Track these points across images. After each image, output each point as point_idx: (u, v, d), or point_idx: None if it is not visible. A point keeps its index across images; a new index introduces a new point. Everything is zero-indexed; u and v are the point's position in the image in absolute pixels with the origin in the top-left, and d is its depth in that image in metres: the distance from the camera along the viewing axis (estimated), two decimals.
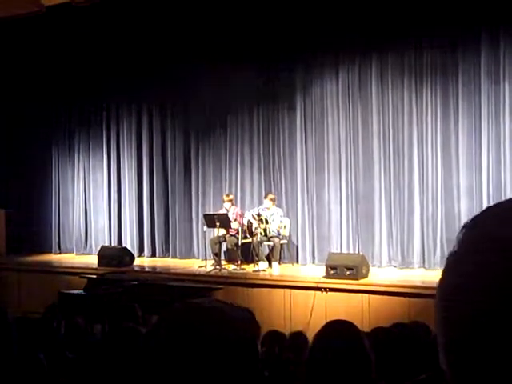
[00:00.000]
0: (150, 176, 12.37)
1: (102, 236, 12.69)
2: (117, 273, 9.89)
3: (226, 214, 10.41)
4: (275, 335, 5.40)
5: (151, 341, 1.09)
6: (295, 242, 10.92)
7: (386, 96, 10.29)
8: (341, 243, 10.54)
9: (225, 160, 11.67)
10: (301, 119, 10.98)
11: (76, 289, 8.99)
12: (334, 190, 10.68)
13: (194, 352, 1.03)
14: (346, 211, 10.56)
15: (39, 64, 12.75)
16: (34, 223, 13.22)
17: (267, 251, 10.37)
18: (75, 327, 5.35)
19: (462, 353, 0.62)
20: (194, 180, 11.94)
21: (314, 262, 10.70)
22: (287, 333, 5.58)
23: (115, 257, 10.84)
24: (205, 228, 10.77)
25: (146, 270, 11.08)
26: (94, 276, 9.63)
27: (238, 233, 10.37)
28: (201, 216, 11.18)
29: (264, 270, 9.82)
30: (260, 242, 10.11)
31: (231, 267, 10.29)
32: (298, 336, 5.28)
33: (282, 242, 10.27)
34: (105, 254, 10.94)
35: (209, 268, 10.17)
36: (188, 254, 11.90)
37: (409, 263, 9.95)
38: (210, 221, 10.28)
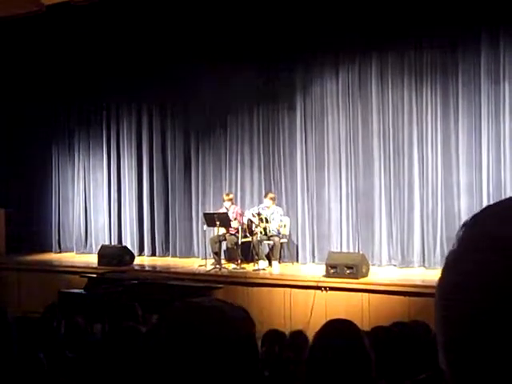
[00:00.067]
0: (150, 175, 12.38)
1: (102, 235, 12.70)
2: (117, 272, 9.89)
3: (226, 213, 10.41)
4: (275, 334, 5.40)
5: (151, 340, 1.09)
6: (295, 241, 10.92)
7: (386, 95, 10.30)
8: (341, 242, 10.55)
9: (225, 159, 11.68)
10: (301, 119, 10.98)
11: (76, 288, 8.99)
12: (334, 189, 10.68)
13: (195, 351, 1.03)
14: (346, 210, 10.57)
15: (39, 64, 12.75)
16: (34, 223, 13.23)
17: (267, 250, 10.38)
18: (75, 327, 5.35)
19: (461, 352, 0.62)
20: (194, 179, 11.95)
21: (314, 261, 10.71)
22: (287, 332, 5.58)
23: (115, 256, 10.84)
24: (205, 227, 10.77)
25: (146, 269, 11.08)
26: (94, 275, 9.63)
27: (237, 232, 10.37)
28: (201, 215, 11.18)
29: (264, 269, 9.82)
30: (260, 241, 10.12)
31: (231, 266, 10.29)
32: (298, 335, 5.27)
33: (282, 241, 10.27)
34: (105, 253, 10.94)
35: (209, 267, 10.17)
36: (188, 253, 11.91)
37: (409, 262, 9.96)
38: (210, 220, 10.28)
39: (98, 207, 12.86)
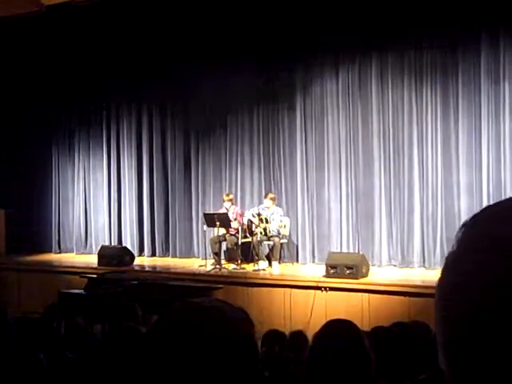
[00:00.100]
0: (150, 175, 12.38)
1: (102, 235, 12.70)
2: (117, 272, 9.89)
3: (226, 214, 10.41)
4: (275, 334, 5.40)
5: (151, 340, 1.09)
6: (295, 242, 10.92)
7: (386, 95, 10.30)
8: (341, 242, 10.55)
9: (225, 160, 11.67)
10: (301, 119, 10.98)
11: (76, 288, 8.99)
12: (334, 189, 10.68)
13: (195, 351, 1.03)
14: (346, 210, 10.57)
15: (39, 64, 12.75)
16: (34, 223, 13.22)
17: (267, 250, 10.38)
18: (75, 327, 5.35)
19: (461, 352, 0.62)
20: (194, 179, 11.95)
21: (313, 262, 10.71)
22: (287, 332, 5.58)
23: (115, 256, 10.84)
24: (205, 227, 10.77)
25: (146, 269, 11.08)
26: (94, 275, 9.63)
27: (237, 232, 10.37)
28: (201, 215, 11.18)
29: (264, 270, 9.82)
30: (260, 242, 10.12)
31: (231, 266, 10.29)
32: (298, 335, 5.28)
33: (281, 241, 10.27)
34: (105, 254, 10.94)
35: (209, 267, 10.17)
36: (188, 253, 11.91)
37: (409, 262, 9.96)
38: (210, 220, 10.28)
39: (98, 207, 12.86)
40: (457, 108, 9.75)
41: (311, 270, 9.99)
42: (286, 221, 10.52)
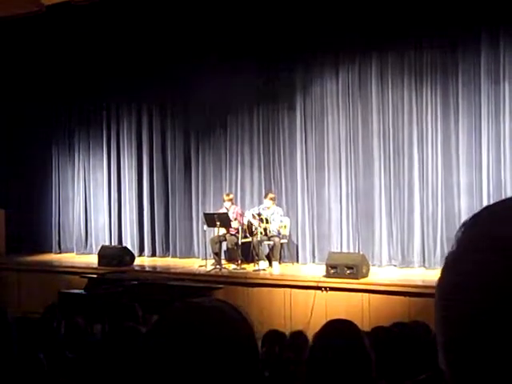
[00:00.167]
0: (150, 175, 12.38)
1: (102, 235, 12.70)
2: (117, 272, 9.89)
3: (227, 214, 10.41)
4: (275, 335, 5.40)
5: (151, 340, 1.09)
6: (295, 242, 10.92)
7: (386, 95, 10.30)
8: (341, 242, 10.55)
9: (225, 159, 11.67)
10: (301, 119, 10.98)
11: (76, 288, 8.99)
12: (334, 189, 10.68)
13: (195, 351, 1.03)
14: (346, 210, 10.57)
15: (39, 64, 12.75)
16: (34, 223, 13.22)
17: (267, 250, 10.38)
18: (75, 327, 5.35)
19: (461, 352, 0.62)
20: (194, 179, 11.95)
21: (314, 262, 10.71)
22: (287, 332, 5.58)
23: (115, 256, 10.84)
24: (205, 227, 10.77)
25: (147, 269, 11.08)
26: (95, 276, 9.63)
27: (238, 232, 10.37)
28: (201, 215, 11.18)
29: (264, 270, 9.82)
30: (260, 242, 10.11)
31: (231, 267, 10.29)
32: (299, 335, 5.27)
33: (282, 241, 10.27)
34: (105, 254, 10.94)
35: (209, 267, 10.17)
36: (188, 253, 11.91)
37: (409, 262, 9.96)
38: (211, 220, 10.28)
39: (98, 207, 12.86)
40: (457, 108, 9.75)
41: (311, 270, 9.99)
42: (286, 221, 10.51)
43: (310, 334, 2.92)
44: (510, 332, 0.58)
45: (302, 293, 8.87)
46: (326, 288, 8.68)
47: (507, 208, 0.65)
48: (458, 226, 0.68)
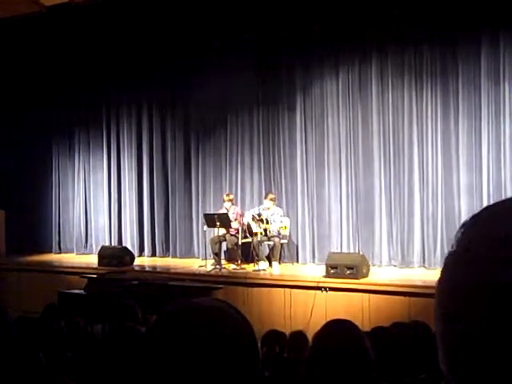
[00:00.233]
0: (150, 176, 12.38)
1: (102, 236, 12.70)
2: (117, 272, 9.90)
3: (227, 214, 10.41)
4: (275, 335, 5.40)
5: (150, 340, 1.09)
6: (295, 242, 10.92)
7: (386, 96, 10.29)
8: (341, 242, 10.55)
9: (225, 160, 11.67)
10: (301, 119, 10.98)
11: (76, 288, 9.00)
12: (334, 189, 10.68)
13: (194, 351, 1.03)
14: (346, 211, 10.57)
15: (39, 64, 12.75)
16: (34, 223, 13.22)
17: (267, 251, 10.37)
18: (75, 327, 5.35)
19: (461, 351, 0.62)
20: (194, 179, 11.95)
21: (314, 262, 10.71)
22: (287, 332, 5.58)
23: (115, 256, 10.84)
24: (205, 227, 10.77)
25: (147, 269, 11.07)
26: (95, 276, 9.63)
27: (238, 232, 10.37)
28: (201, 216, 11.18)
29: (264, 270, 9.81)
30: (260, 242, 10.11)
31: (231, 267, 10.29)
32: (299, 335, 5.27)
33: (282, 241, 10.26)
34: (105, 254, 10.94)
35: (209, 267, 10.17)
36: (188, 253, 11.91)
37: (409, 262, 9.96)
38: (211, 220, 10.28)
39: (98, 208, 12.86)
40: (457, 108, 9.75)
41: (311, 271, 9.99)
42: (286, 221, 10.51)
43: (310, 334, 2.92)
44: (510, 332, 0.59)
45: (301, 293, 8.87)
46: (325, 288, 8.68)
47: (507, 208, 0.65)
48: (458, 226, 0.68)
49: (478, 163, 9.56)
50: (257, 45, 11.10)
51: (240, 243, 10.26)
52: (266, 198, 10.59)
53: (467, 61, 9.66)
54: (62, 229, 13.22)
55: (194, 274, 9.98)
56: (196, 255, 11.74)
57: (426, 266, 9.80)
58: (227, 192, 11.15)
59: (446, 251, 0.68)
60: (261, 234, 10.14)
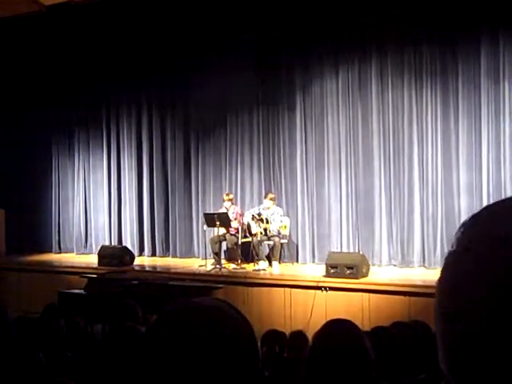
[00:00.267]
0: (150, 175, 12.38)
1: (102, 235, 12.70)
2: (117, 272, 9.90)
3: (226, 213, 10.41)
4: (275, 334, 5.40)
5: (150, 340, 1.09)
6: (295, 241, 10.92)
7: (386, 95, 10.29)
8: (341, 242, 10.55)
9: (225, 159, 11.67)
10: (301, 118, 10.98)
11: (76, 288, 8.99)
12: (334, 189, 10.68)
13: (194, 351, 1.03)
14: (346, 210, 10.57)
15: (39, 64, 12.75)
16: (34, 223, 13.22)
17: (267, 250, 10.37)
18: (75, 327, 5.35)
19: (461, 351, 0.62)
20: (194, 179, 11.95)
21: (314, 261, 10.71)
22: (287, 332, 5.58)
23: (115, 256, 10.84)
24: (205, 227, 10.77)
25: (147, 269, 11.07)
26: (95, 275, 9.63)
27: (238, 232, 10.37)
28: (201, 215, 11.18)
29: (264, 270, 9.82)
30: (260, 242, 10.11)
31: (231, 266, 10.29)
32: (298, 335, 5.28)
33: (282, 241, 10.26)
34: (105, 254, 10.94)
35: (209, 267, 10.17)
36: (188, 253, 11.91)
37: (409, 262, 9.96)
38: (210, 220, 10.28)
39: (98, 207, 12.86)
40: (457, 108, 9.75)
41: (311, 270, 9.99)
42: (286, 221, 10.51)
43: (310, 334, 2.92)
44: (510, 331, 0.58)
45: (301, 293, 8.87)
46: (325, 288, 8.68)
47: (507, 208, 0.65)
48: (457, 226, 0.68)
49: (478, 162, 9.56)
50: (256, 45, 11.10)
51: (240, 243, 10.26)
52: (265, 197, 10.59)
53: (467, 60, 9.66)
54: (61, 228, 13.22)
55: (194, 274, 9.99)
56: (196, 255, 11.75)
57: (426, 265, 9.80)
58: (227, 191, 11.15)
59: (445, 250, 0.69)
60: (261, 233, 10.14)
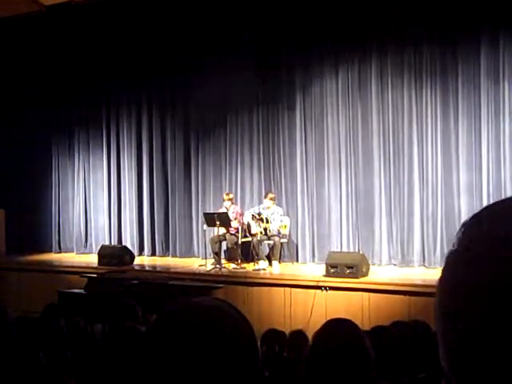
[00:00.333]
0: (150, 175, 12.38)
1: (102, 235, 12.70)
2: (117, 272, 9.89)
3: (226, 213, 10.41)
4: (275, 334, 5.40)
5: (150, 339, 1.09)
6: (295, 241, 10.92)
7: (386, 95, 10.30)
8: (341, 241, 10.55)
9: (225, 159, 11.68)
10: (300, 118, 10.98)
11: (76, 288, 8.99)
12: (334, 188, 10.68)
13: (194, 351, 1.03)
14: (346, 210, 10.57)
15: (39, 63, 12.75)
16: (34, 223, 13.22)
17: (267, 250, 10.37)
18: (75, 327, 5.35)
19: (461, 350, 0.62)
20: (194, 179, 11.95)
21: (314, 261, 10.71)
22: (287, 331, 5.58)
23: (115, 256, 10.84)
24: (205, 227, 10.77)
25: (146, 269, 11.07)
26: (95, 275, 9.63)
27: (238, 232, 10.38)
28: (201, 215, 11.18)
29: (264, 269, 9.82)
30: (260, 241, 10.11)
31: (231, 266, 10.29)
32: (298, 334, 5.28)
33: (282, 240, 10.26)
34: (105, 253, 10.94)
35: (209, 267, 10.17)
36: (188, 252, 11.91)
37: (409, 261, 9.96)
38: (210, 220, 10.28)
39: (97, 207, 12.87)
40: (457, 108, 9.75)
41: (311, 270, 10.00)
42: (286, 220, 10.51)
43: (310, 334, 2.92)
44: (510, 331, 0.59)
45: (301, 292, 8.87)
46: (325, 287, 8.68)
47: (507, 208, 0.65)
48: (457, 226, 0.68)
49: (478, 162, 9.56)
50: (257, 45, 11.10)
51: (240, 242, 10.27)
52: (265, 197, 10.59)
53: (467, 60, 9.66)
54: (61, 228, 13.22)
55: (194, 274, 9.99)
56: (196, 254, 11.75)
57: (426, 265, 9.80)
58: (227, 191, 11.15)
59: (445, 250, 0.69)
60: (261, 233, 10.14)
